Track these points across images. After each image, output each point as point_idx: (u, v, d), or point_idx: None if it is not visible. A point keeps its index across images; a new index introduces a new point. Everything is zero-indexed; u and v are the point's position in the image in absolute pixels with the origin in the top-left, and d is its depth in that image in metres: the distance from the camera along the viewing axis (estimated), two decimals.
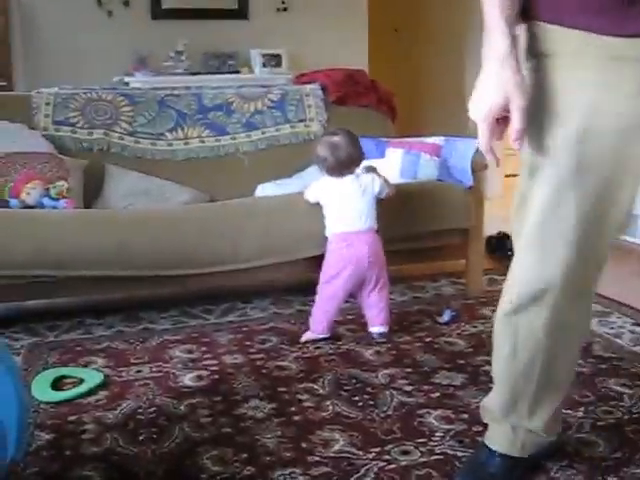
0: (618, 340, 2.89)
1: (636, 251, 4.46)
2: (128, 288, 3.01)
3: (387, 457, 2.00)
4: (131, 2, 5.23)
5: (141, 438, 2.13)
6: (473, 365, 2.64)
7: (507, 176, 6.60)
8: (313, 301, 3.35)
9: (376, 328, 2.89)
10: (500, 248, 4.16)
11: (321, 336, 2.86)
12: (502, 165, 6.19)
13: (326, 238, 2.88)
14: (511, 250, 4.13)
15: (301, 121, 3.79)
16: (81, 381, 2.50)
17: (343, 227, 2.81)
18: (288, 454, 2.02)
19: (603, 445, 2.07)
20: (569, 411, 2.26)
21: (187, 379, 2.54)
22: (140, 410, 2.30)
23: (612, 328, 3.03)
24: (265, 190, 3.40)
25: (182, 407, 2.32)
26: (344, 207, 2.82)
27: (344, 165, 2.82)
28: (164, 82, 4.82)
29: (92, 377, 2.53)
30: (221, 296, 3.43)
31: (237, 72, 5.31)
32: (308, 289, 3.51)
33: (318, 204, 2.90)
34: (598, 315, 3.17)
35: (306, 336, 2.89)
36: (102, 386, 2.48)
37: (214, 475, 1.92)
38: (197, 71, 5.24)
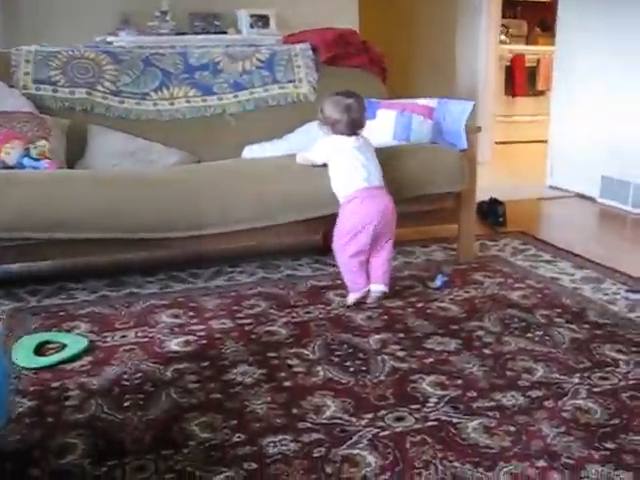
0: (612, 306, 2.85)
1: (629, 218, 4.43)
2: (114, 251, 2.92)
3: (381, 423, 1.95)
4: None
5: (126, 404, 2.06)
6: (466, 330, 2.59)
7: (497, 143, 6.55)
8: (301, 265, 3.31)
9: (380, 286, 2.84)
10: (491, 214, 4.11)
11: (366, 290, 2.81)
12: (492, 131, 6.19)
13: (323, 199, 2.85)
14: (502, 216, 4.15)
15: (290, 82, 3.69)
16: (64, 346, 2.43)
17: (365, 182, 2.77)
18: (278, 420, 1.96)
19: (600, 411, 2.03)
20: (565, 377, 2.22)
21: (174, 344, 2.47)
22: (125, 376, 2.23)
23: (606, 294, 2.98)
24: (253, 152, 3.32)
25: (169, 373, 2.25)
26: (362, 162, 2.79)
27: (356, 126, 2.85)
28: (148, 42, 4.68)
29: (76, 342, 2.45)
30: (208, 260, 3.36)
31: (224, 33, 5.17)
32: (297, 253, 3.46)
33: (320, 165, 2.89)
34: (592, 281, 3.13)
35: (352, 298, 2.82)
36: (86, 351, 2.41)
37: (203, 442, 1.86)
38: (182, 32, 5.10)
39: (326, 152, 2.87)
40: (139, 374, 2.25)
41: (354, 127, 2.84)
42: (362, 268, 2.81)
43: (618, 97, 4.61)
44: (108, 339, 2.52)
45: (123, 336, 2.55)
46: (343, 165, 2.81)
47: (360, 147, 2.82)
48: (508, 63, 7.29)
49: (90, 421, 1.97)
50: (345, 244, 2.77)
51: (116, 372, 2.26)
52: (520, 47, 7.67)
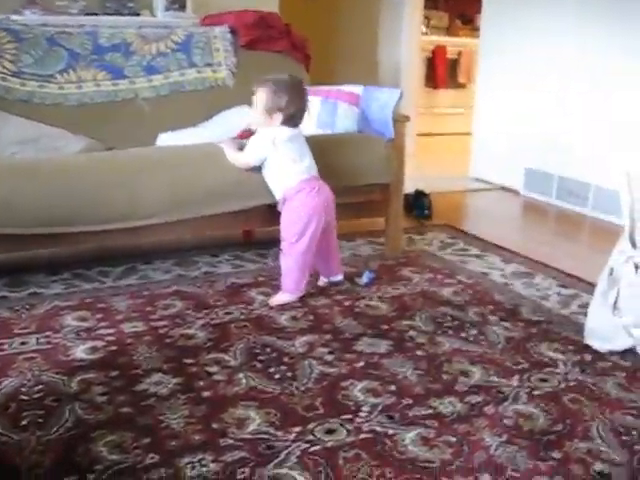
0: (545, 302, 2.76)
1: (552, 210, 4.40)
2: (13, 248, 2.65)
3: (310, 437, 1.78)
4: None
5: (24, 422, 1.82)
6: (397, 330, 2.44)
7: (419, 135, 6.47)
8: (221, 262, 3.12)
9: (339, 276, 2.84)
10: (417, 207, 4.00)
11: (298, 296, 2.66)
12: (415, 123, 6.10)
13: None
14: (428, 209, 4.04)
15: (208, 65, 3.47)
16: None
17: (306, 173, 2.63)
18: (197, 437, 1.77)
19: (542, 417, 1.92)
20: (503, 380, 2.11)
21: (80, 351, 2.24)
22: (24, 389, 1.99)
23: (538, 290, 2.89)
24: (167, 140, 3.10)
25: (74, 384, 2.02)
26: (304, 154, 2.65)
27: (303, 115, 2.67)
28: (56, 22, 4.38)
29: None
30: (119, 257, 3.12)
31: (137, 14, 4.90)
32: (216, 248, 3.26)
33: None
34: (523, 276, 3.05)
35: (279, 299, 2.65)
36: None
37: (111, 465, 1.65)
38: (93, 12, 4.80)
39: (266, 149, 2.64)
40: (40, 386, 2.01)
41: (301, 117, 2.66)
42: (309, 271, 2.69)
43: (541, 89, 4.57)
44: (5, 346, 2.26)
45: (23, 343, 2.29)
46: (284, 157, 2.62)
47: (298, 137, 2.65)
48: (429, 55, 7.24)
49: None
50: (296, 240, 2.61)
51: (13, 385, 2.01)
52: (441, 39, 7.63)
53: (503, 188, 4.87)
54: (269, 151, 2.63)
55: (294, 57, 3.62)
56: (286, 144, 2.62)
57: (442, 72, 7.28)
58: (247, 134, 2.95)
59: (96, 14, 4.74)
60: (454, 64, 7.38)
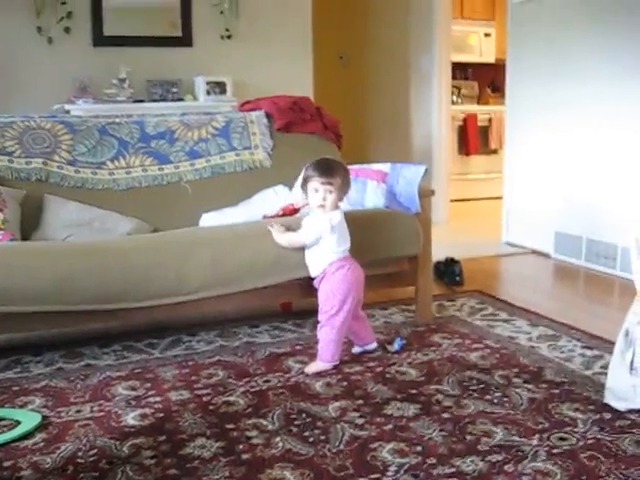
0: (569, 364, 2.88)
1: (581, 272, 4.50)
2: (68, 323, 2.88)
3: None
4: (72, 29, 5.11)
5: None
6: (425, 394, 2.59)
7: (452, 201, 6.65)
8: (260, 332, 3.30)
9: (374, 344, 3.01)
10: (448, 274, 4.15)
11: (333, 365, 2.83)
12: (447, 190, 6.30)
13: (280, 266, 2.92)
14: (459, 275, 4.19)
15: (246, 149, 3.73)
16: (17, 423, 2.37)
17: (343, 252, 2.82)
18: None
19: (560, 473, 2.03)
20: (524, 439, 2.23)
21: (130, 418, 2.43)
22: (80, 453, 2.19)
23: (562, 352, 3.01)
24: (210, 219, 3.32)
25: (125, 448, 2.21)
26: (343, 232, 2.83)
27: None
28: (106, 110, 4.72)
29: (29, 419, 2.40)
30: (166, 329, 3.33)
31: (181, 100, 5.23)
32: (256, 319, 3.45)
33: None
34: (548, 339, 3.17)
35: (316, 367, 2.82)
36: (40, 428, 2.35)
37: None
38: (140, 99, 5.14)
39: (328, 230, 2.77)
40: (94, 450, 2.20)
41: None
42: (343, 340, 2.86)
43: (567, 153, 4.73)
44: (63, 414, 2.47)
45: (78, 411, 2.50)
46: (334, 238, 2.80)
47: (344, 218, 2.84)
48: (461, 123, 7.47)
49: None
50: (335, 312, 2.78)
51: (70, 449, 2.21)
52: (472, 107, 7.88)
53: (534, 252, 5.00)
54: (327, 233, 2.78)
55: (326, 137, 3.86)
56: (339, 226, 2.80)
57: (474, 139, 7.49)
58: (290, 210, 3.18)
59: (142, 101, 5.08)
60: (485, 131, 7.58)
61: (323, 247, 2.82)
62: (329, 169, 2.79)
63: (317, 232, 2.80)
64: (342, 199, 2.84)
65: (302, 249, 2.87)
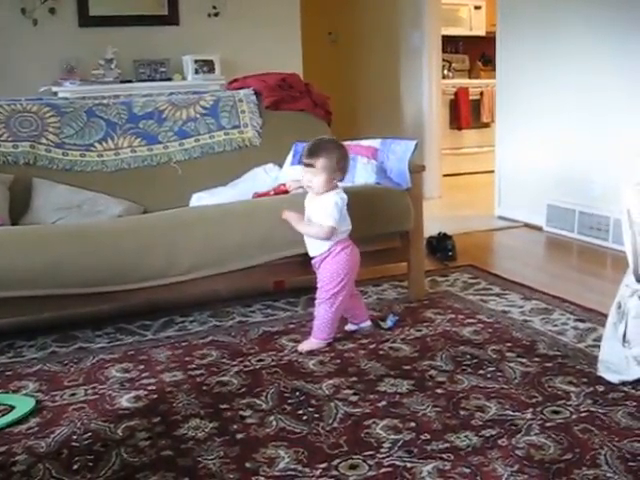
0: (562, 337, 2.88)
1: (574, 245, 4.51)
2: (60, 307, 2.87)
3: (334, 473, 1.94)
4: (57, 9, 5.05)
5: (75, 467, 2.01)
6: (419, 370, 2.59)
7: (445, 175, 6.64)
8: (253, 311, 3.30)
9: (368, 322, 3.01)
10: (441, 249, 4.15)
11: (327, 342, 2.84)
12: (439, 165, 6.28)
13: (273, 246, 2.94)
14: (452, 250, 4.19)
15: (235, 127, 3.71)
16: (12, 408, 2.37)
17: (346, 233, 2.83)
18: (231, 476, 1.94)
19: (553, 447, 2.04)
20: (517, 413, 2.24)
21: (124, 400, 2.43)
22: (74, 437, 2.19)
23: (555, 325, 3.02)
24: (200, 199, 3.31)
25: (119, 431, 2.21)
26: (346, 213, 2.83)
27: None
28: (94, 91, 4.69)
29: (23, 403, 2.40)
30: (158, 310, 3.32)
31: (169, 79, 5.19)
32: (248, 298, 3.45)
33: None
34: (541, 312, 3.17)
35: (309, 345, 2.82)
36: (34, 412, 2.35)
37: None
38: (128, 79, 5.10)
39: (344, 208, 2.78)
40: (88, 434, 2.20)
41: None
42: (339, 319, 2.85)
43: (558, 126, 4.72)
44: (57, 398, 2.47)
45: (72, 394, 2.50)
46: (342, 216, 2.79)
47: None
48: (452, 97, 7.42)
49: None
50: (338, 292, 2.78)
51: (65, 433, 2.21)
52: (463, 81, 7.83)
53: (527, 225, 5.00)
54: (344, 207, 2.78)
55: (316, 115, 3.83)
56: (343, 205, 2.79)
57: (465, 113, 7.45)
58: (281, 190, 3.16)
59: (130, 81, 5.05)
60: (477, 104, 7.54)
61: (335, 227, 2.79)
62: (312, 150, 2.74)
63: (337, 212, 2.73)
64: (337, 179, 2.78)
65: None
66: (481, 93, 7.53)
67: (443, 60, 6.85)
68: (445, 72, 7.60)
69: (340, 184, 2.83)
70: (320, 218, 2.75)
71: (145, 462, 2.02)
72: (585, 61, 4.45)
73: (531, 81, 4.94)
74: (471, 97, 7.51)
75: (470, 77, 8.15)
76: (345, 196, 2.78)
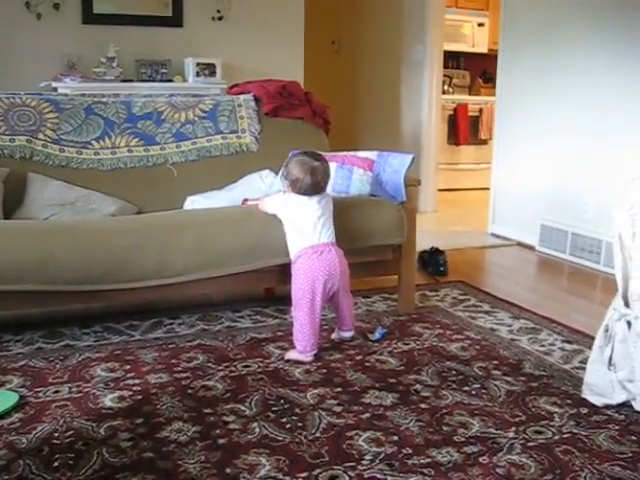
0: (548, 357, 2.89)
1: (565, 266, 4.52)
2: (49, 303, 2.87)
3: None
4: (61, 5, 5.06)
5: (56, 464, 2.01)
6: (404, 384, 2.59)
7: (440, 190, 6.66)
8: (242, 317, 3.30)
9: (349, 332, 2.99)
10: (433, 263, 4.16)
11: (311, 355, 2.80)
12: (435, 180, 6.30)
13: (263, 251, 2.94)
14: (443, 266, 4.20)
15: (233, 132, 3.71)
16: None
17: (313, 240, 2.80)
18: None
19: (534, 467, 2.04)
20: (500, 431, 2.24)
21: (108, 400, 2.43)
22: (56, 434, 2.18)
23: (542, 345, 3.03)
24: (194, 203, 3.31)
25: (101, 430, 2.21)
26: (312, 223, 2.80)
27: (317, 187, 2.84)
28: (94, 88, 4.68)
29: (6, 398, 2.39)
30: (147, 311, 3.32)
31: (170, 80, 5.20)
32: (238, 303, 3.45)
33: (275, 216, 2.92)
34: (529, 332, 3.18)
35: (295, 356, 2.81)
36: (17, 408, 2.34)
37: None
38: (129, 78, 5.11)
39: (279, 207, 2.88)
40: (71, 432, 2.19)
41: (315, 189, 2.83)
42: (314, 332, 2.80)
43: (554, 147, 4.74)
44: (40, 394, 2.46)
45: (56, 391, 2.49)
46: (293, 225, 2.83)
47: (314, 207, 2.82)
48: (451, 112, 7.45)
49: None
50: (299, 299, 2.78)
51: (47, 430, 2.20)
52: (463, 97, 7.87)
53: (520, 244, 5.01)
54: (280, 208, 2.87)
55: (314, 123, 3.83)
56: (294, 210, 2.82)
57: (464, 129, 7.48)
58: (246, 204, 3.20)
59: (131, 80, 5.05)
60: (476, 121, 7.58)
61: (288, 234, 2.85)
62: (291, 155, 2.95)
63: (273, 202, 2.93)
64: (293, 188, 2.84)
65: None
66: (480, 110, 7.56)
67: (444, 75, 6.88)
68: (445, 87, 7.64)
69: (334, 194, 2.87)
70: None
71: (126, 463, 2.02)
72: (585, 81, 4.48)
73: (530, 100, 4.97)
74: (470, 113, 7.54)
75: (470, 93, 8.19)
76: (292, 202, 2.84)
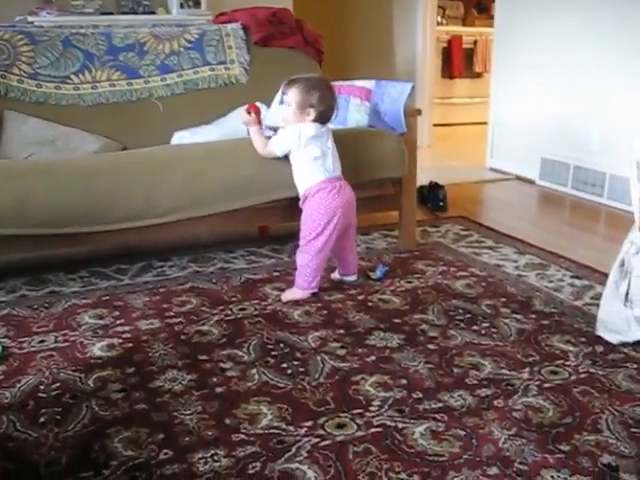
0: (558, 294, 2.76)
1: (567, 200, 4.39)
2: (29, 248, 2.70)
3: (320, 432, 1.81)
4: None
5: (42, 420, 1.87)
6: (409, 324, 2.46)
7: (436, 125, 6.47)
8: (236, 258, 3.15)
9: (352, 276, 2.86)
10: (432, 199, 4.01)
11: (309, 293, 2.68)
12: (431, 114, 6.10)
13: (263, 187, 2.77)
14: (443, 201, 4.05)
15: (221, 63, 3.50)
16: None
17: (329, 173, 2.64)
18: (210, 433, 1.80)
19: (552, 409, 1.92)
20: (514, 372, 2.12)
21: (97, 349, 2.28)
22: (42, 387, 2.04)
23: (551, 281, 2.90)
24: (182, 138, 3.13)
25: (90, 382, 2.07)
26: (327, 153, 2.65)
27: (333, 113, 2.69)
28: (72, 22, 4.43)
29: None
30: (136, 254, 3.16)
31: (153, 13, 4.93)
32: (231, 244, 3.30)
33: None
34: (536, 268, 3.05)
35: (292, 295, 2.68)
36: (0, 360, 2.20)
37: (126, 461, 1.69)
38: (109, 11, 4.84)
39: (293, 142, 2.64)
40: (57, 384, 2.05)
41: (331, 115, 2.67)
42: (322, 269, 2.68)
43: (556, 79, 4.56)
44: (24, 345, 2.32)
45: (41, 341, 2.35)
46: (308, 155, 2.63)
47: (324, 135, 2.66)
48: (445, 44, 7.21)
49: (1, 440, 1.78)
50: (314, 238, 2.62)
51: (32, 382, 2.06)
52: (457, 28, 7.60)
53: (519, 178, 4.86)
54: (294, 145, 2.64)
55: (307, 53, 3.63)
56: (311, 141, 2.63)
57: (458, 62, 7.25)
58: (255, 108, 2.94)
59: (111, 13, 4.79)
60: (470, 54, 7.34)
61: (301, 166, 2.65)
62: (289, 81, 2.67)
63: (284, 141, 2.68)
64: (310, 117, 2.63)
65: (285, 169, 2.69)
66: (475, 42, 7.32)
67: (437, 6, 6.61)
68: (439, 19, 7.37)
69: (331, 125, 2.68)
70: (273, 138, 2.72)
71: (117, 416, 1.88)
72: (588, 13, 4.27)
73: (530, 32, 4.76)
74: (464, 46, 7.30)
75: (464, 25, 7.91)
76: (309, 132, 2.62)
